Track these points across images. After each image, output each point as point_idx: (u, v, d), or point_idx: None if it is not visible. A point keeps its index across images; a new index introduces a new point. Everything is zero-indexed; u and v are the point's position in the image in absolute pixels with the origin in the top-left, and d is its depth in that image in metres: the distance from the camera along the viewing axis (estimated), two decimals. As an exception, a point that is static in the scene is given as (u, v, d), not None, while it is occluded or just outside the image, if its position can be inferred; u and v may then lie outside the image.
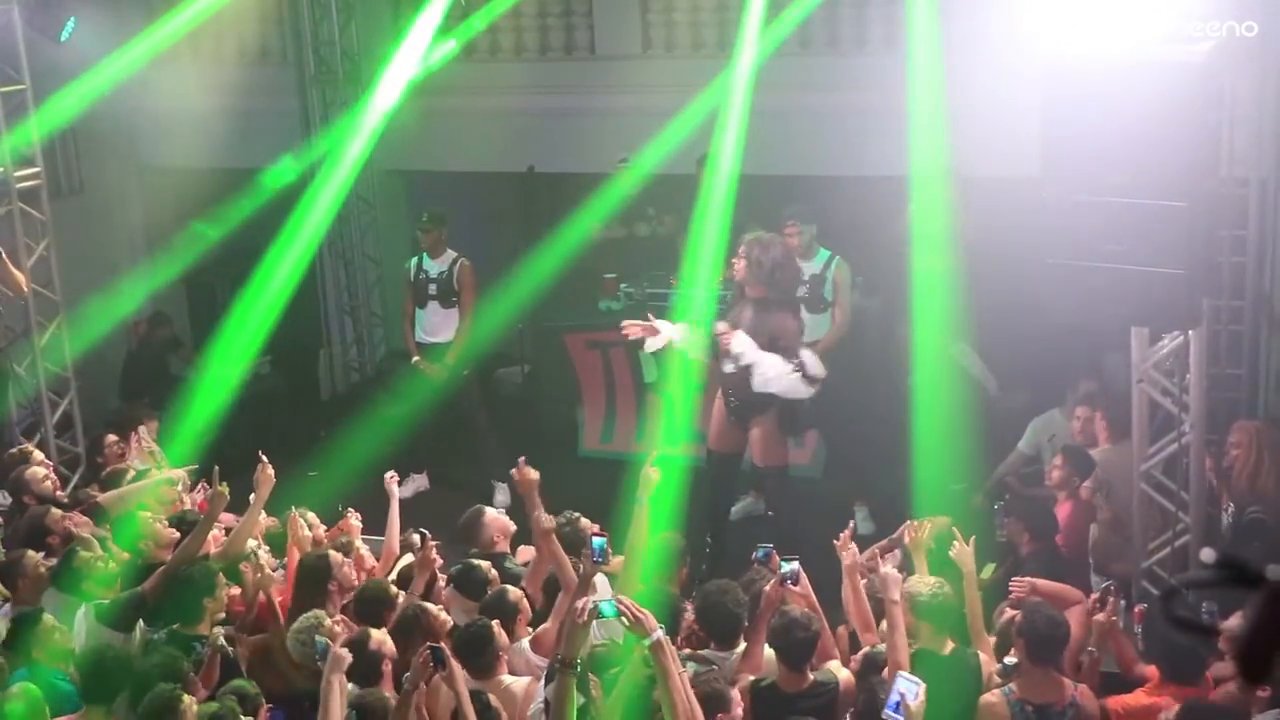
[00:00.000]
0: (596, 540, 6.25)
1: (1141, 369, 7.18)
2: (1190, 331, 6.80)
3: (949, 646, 6.11)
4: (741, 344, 8.10)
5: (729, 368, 8.20)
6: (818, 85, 10.69)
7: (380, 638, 6.18)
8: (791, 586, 6.27)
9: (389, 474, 8.06)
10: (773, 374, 8.02)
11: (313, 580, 6.85)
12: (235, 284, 11.21)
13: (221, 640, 6.44)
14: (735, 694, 5.63)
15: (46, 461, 8.88)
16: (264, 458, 7.52)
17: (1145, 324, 6.96)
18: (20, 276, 9.63)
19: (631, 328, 8.49)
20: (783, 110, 10.30)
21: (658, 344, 8.49)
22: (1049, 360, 9.36)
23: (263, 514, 7.66)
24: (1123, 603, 6.87)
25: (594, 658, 5.73)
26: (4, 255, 9.50)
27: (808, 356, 8.12)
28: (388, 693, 5.95)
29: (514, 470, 7.16)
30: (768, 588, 6.18)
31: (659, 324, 8.47)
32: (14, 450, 8.92)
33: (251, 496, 7.44)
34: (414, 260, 10.25)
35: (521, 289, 10.16)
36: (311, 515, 7.88)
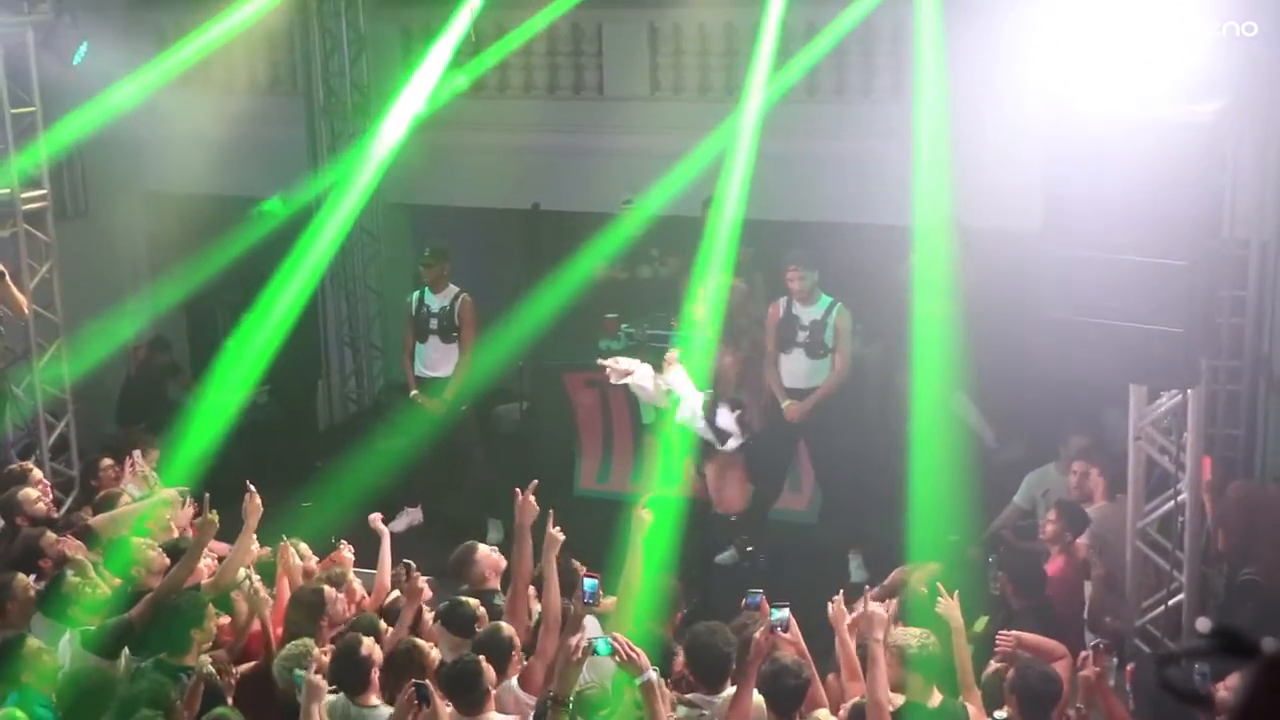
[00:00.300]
0: (588, 581, 6.23)
1: (1139, 426, 7.18)
2: (1189, 390, 6.80)
3: (936, 698, 6.08)
4: (676, 379, 8.51)
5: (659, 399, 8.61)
6: (824, 132, 10.74)
7: (370, 645, 6.18)
8: (781, 634, 6.25)
9: (374, 515, 8.02)
10: (688, 410, 8.47)
11: (305, 613, 6.83)
12: (236, 311, 11.22)
13: (209, 668, 6.41)
14: None
15: (44, 481, 8.84)
16: (251, 487, 7.51)
17: (1144, 382, 6.96)
18: (22, 298, 9.64)
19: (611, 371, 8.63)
20: (788, 156, 10.35)
21: (628, 381, 8.63)
22: (1047, 413, 9.35)
23: (255, 543, 7.64)
24: (1115, 660, 6.84)
25: (584, 700, 5.70)
26: (7, 276, 9.51)
27: (724, 413, 8.57)
28: (376, 700, 5.94)
29: (519, 496, 7.10)
30: (758, 634, 6.16)
31: (628, 364, 8.60)
32: (13, 467, 8.89)
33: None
34: (416, 294, 10.26)
35: (522, 326, 10.17)
36: (304, 546, 7.86)
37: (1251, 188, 7.90)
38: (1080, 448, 8.78)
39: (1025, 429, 10.05)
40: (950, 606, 6.51)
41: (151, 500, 8.22)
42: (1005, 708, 5.93)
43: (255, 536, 7.67)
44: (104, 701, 6.08)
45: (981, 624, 7.56)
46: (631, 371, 8.74)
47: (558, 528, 6.76)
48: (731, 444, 8.61)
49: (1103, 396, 8.71)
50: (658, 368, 8.82)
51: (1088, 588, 7.71)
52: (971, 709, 6.16)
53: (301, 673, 5.97)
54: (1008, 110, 8.96)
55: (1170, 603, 7.18)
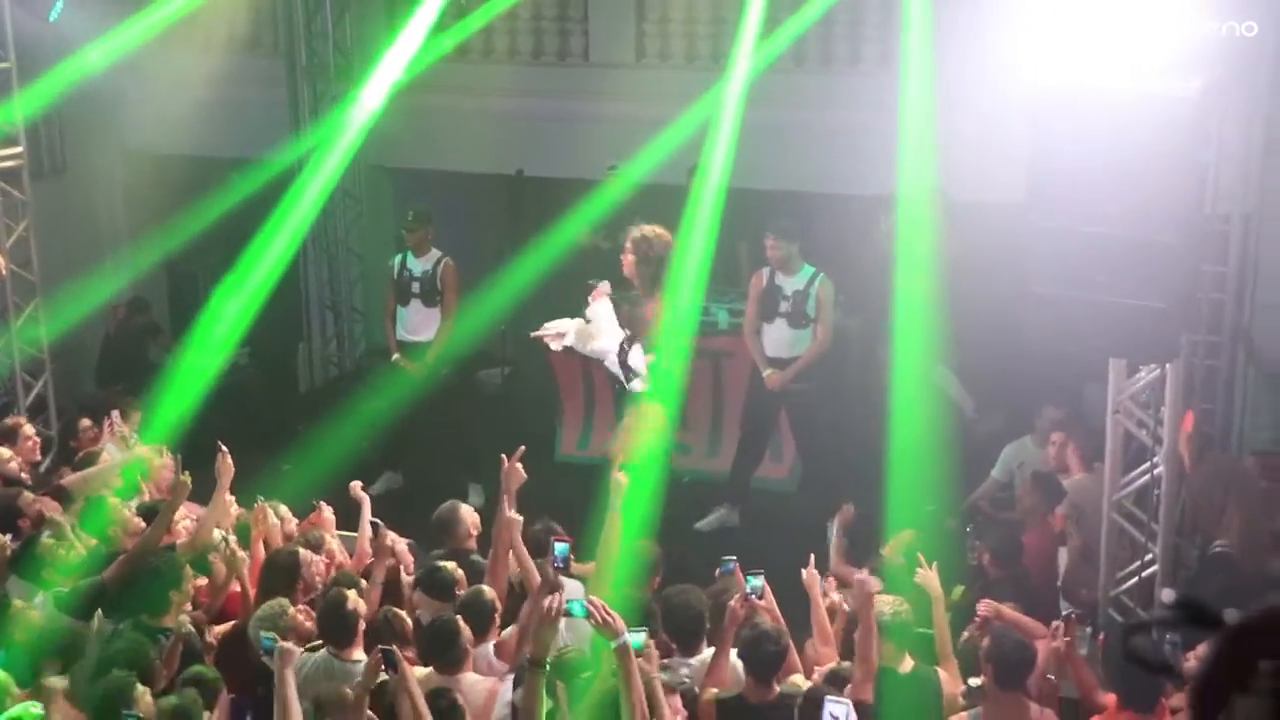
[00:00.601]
0: (559, 546, 6.29)
1: (1118, 400, 7.22)
2: (1168, 365, 6.83)
3: (908, 664, 6.14)
4: (598, 311, 8.69)
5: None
6: (810, 102, 10.72)
7: (355, 598, 6.23)
8: (756, 601, 6.29)
9: (354, 483, 7.99)
10: (601, 346, 8.60)
11: (280, 576, 6.84)
12: (217, 273, 11.17)
13: (188, 628, 6.42)
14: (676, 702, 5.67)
15: (34, 438, 8.79)
16: (224, 448, 7.51)
17: (1125, 355, 7.00)
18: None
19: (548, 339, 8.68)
20: (774, 125, 10.33)
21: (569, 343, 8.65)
22: (1027, 385, 9.40)
23: (234, 505, 7.63)
24: (1089, 630, 6.91)
25: (563, 663, 5.73)
26: None
27: (637, 352, 8.68)
28: (360, 655, 6.03)
29: (506, 462, 7.12)
30: (733, 602, 6.20)
31: (558, 325, 8.62)
32: (6, 421, 8.83)
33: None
34: (398, 258, 10.23)
35: (505, 291, 10.15)
36: (284, 509, 7.86)
37: (1235, 162, 7.93)
38: (1055, 419, 8.83)
39: (1005, 401, 10.10)
40: (929, 576, 6.56)
41: (125, 458, 8.18)
42: (980, 675, 5.98)
43: (234, 498, 7.67)
44: (74, 660, 6.08)
45: (959, 593, 7.61)
46: (565, 333, 8.77)
47: (514, 510, 6.81)
48: (637, 385, 8.67)
49: (1084, 369, 8.75)
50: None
51: (1062, 557, 7.77)
52: (945, 676, 6.22)
53: (269, 635, 6.00)
54: (994, 83, 8.95)
55: (1144, 574, 7.24)
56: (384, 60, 10.97)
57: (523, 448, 7.11)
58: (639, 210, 10.80)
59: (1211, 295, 8.31)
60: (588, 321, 8.77)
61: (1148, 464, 7.22)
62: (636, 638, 5.55)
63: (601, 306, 8.70)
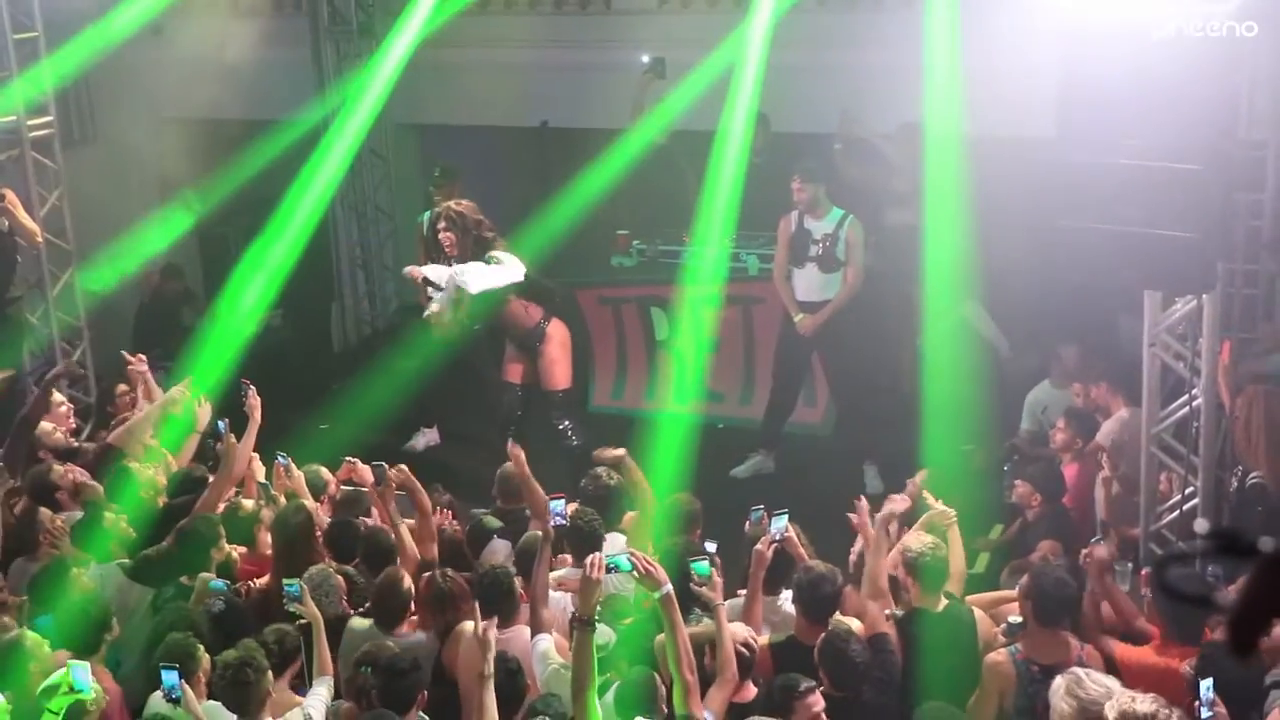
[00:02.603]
0: (554, 502, 6.34)
1: (1154, 333, 7.15)
2: (1204, 296, 6.76)
3: (942, 603, 6.14)
4: (428, 271, 8.60)
5: (439, 296, 8.60)
6: (835, 41, 10.61)
7: (409, 580, 6.38)
8: (779, 538, 6.29)
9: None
10: (476, 273, 8.51)
11: (299, 533, 6.90)
12: (248, 236, 11.20)
13: (217, 582, 6.52)
14: None
15: (68, 403, 8.85)
16: (249, 385, 7.64)
17: (1159, 288, 6.92)
18: (33, 225, 9.64)
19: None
20: (799, 67, 10.23)
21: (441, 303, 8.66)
22: (1062, 321, 9.33)
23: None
24: (1129, 565, 6.88)
25: (608, 606, 5.80)
26: (18, 203, 9.50)
27: (504, 256, 8.66)
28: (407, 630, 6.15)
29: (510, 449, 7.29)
30: (759, 545, 6.21)
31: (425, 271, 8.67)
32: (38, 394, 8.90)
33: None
34: (427, 215, 10.22)
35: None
36: (324, 470, 7.92)
37: (1269, 86, 7.78)
38: (1071, 361, 8.76)
39: (1040, 338, 10.03)
40: (943, 513, 6.56)
41: (159, 403, 8.21)
42: (1018, 613, 5.97)
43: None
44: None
45: (997, 532, 7.62)
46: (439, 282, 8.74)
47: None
48: (516, 270, 8.66)
49: (1117, 303, 8.67)
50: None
51: (1099, 492, 7.72)
52: (979, 613, 6.21)
53: (292, 582, 6.13)
54: (1020, 16, 8.82)
55: (1185, 508, 7.20)
56: (406, 16, 10.93)
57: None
58: (668, 156, 10.77)
59: (1249, 224, 8.18)
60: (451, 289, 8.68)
61: (1185, 397, 7.16)
62: (700, 564, 5.71)
63: (434, 272, 8.70)
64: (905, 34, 9.63)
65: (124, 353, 8.72)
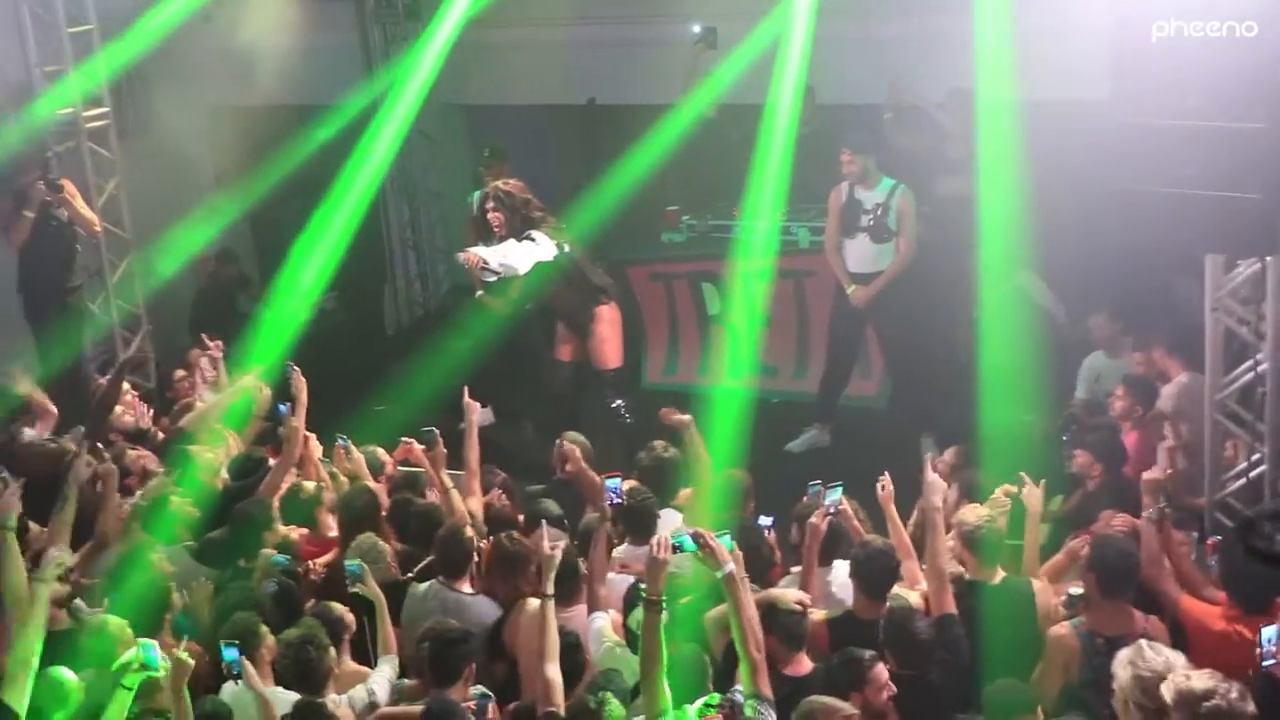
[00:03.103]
0: (610, 480, 6.35)
1: (1216, 297, 7.01)
2: (1268, 258, 6.63)
3: (999, 575, 6.09)
4: (485, 254, 8.55)
5: (490, 278, 8.65)
6: (882, 11, 10.50)
7: (471, 530, 6.51)
8: (833, 511, 6.26)
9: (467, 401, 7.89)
10: (516, 254, 8.54)
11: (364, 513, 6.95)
12: (300, 220, 11.26)
13: (277, 557, 6.58)
14: None
15: (134, 390, 8.96)
16: (294, 368, 7.77)
17: (1220, 251, 6.78)
18: (91, 215, 9.76)
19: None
20: (846, 37, 10.14)
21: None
22: (1119, 287, 9.20)
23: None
24: (1194, 535, 6.78)
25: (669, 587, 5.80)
26: (76, 193, 9.62)
27: (538, 235, 8.67)
28: (468, 586, 6.27)
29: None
30: (813, 518, 6.18)
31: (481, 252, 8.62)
32: (102, 381, 9.03)
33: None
34: (477, 195, 10.24)
35: (584, 222, 10.13)
36: (381, 451, 7.97)
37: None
38: (1101, 330, 8.67)
39: (1097, 304, 9.88)
40: (1033, 493, 6.49)
41: (234, 390, 8.34)
42: (1080, 584, 5.91)
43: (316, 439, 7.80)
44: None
45: (1057, 503, 7.52)
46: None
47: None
48: (547, 249, 8.68)
49: (1172, 266, 8.53)
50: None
51: (1161, 460, 7.61)
52: (1039, 584, 6.15)
53: (354, 562, 6.18)
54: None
55: (1252, 475, 7.08)
56: (451, -2, 10.92)
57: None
58: (716, 130, 10.70)
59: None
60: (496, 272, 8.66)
61: (1250, 362, 7.03)
62: (832, 491, 6.01)
63: (483, 253, 8.64)
64: (953, 0, 9.51)
65: (203, 335, 8.94)
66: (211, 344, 9.03)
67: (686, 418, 7.41)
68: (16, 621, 5.35)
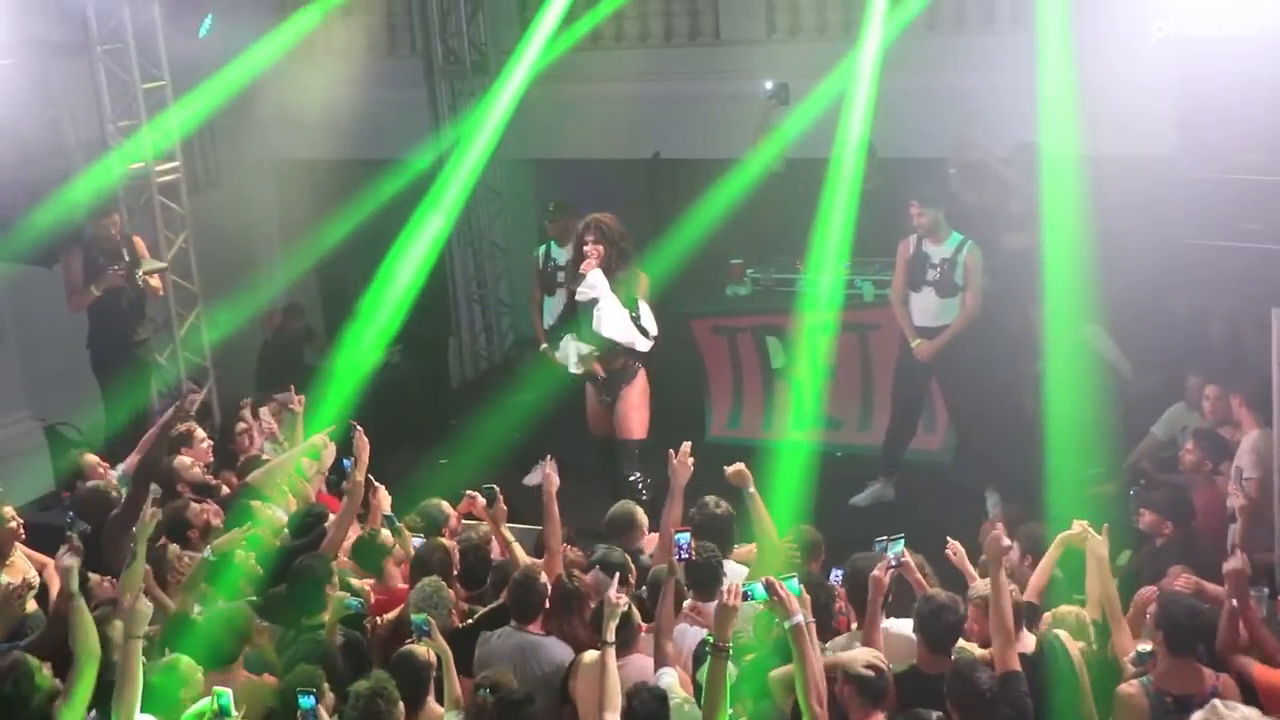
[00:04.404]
0: (679, 535, 6.35)
1: (1283, 351, 6.94)
2: (1335, 312, 6.55)
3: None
4: (597, 279, 8.47)
5: (582, 296, 8.55)
6: (946, 66, 10.55)
7: (544, 575, 6.54)
8: (895, 564, 6.22)
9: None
10: (610, 317, 8.47)
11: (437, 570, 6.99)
12: (367, 274, 11.42)
13: (351, 600, 6.60)
14: None
15: (208, 439, 9.05)
16: (358, 427, 7.80)
17: (1286, 305, 6.73)
18: (157, 283, 9.87)
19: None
20: (910, 92, 10.18)
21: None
22: (1184, 341, 9.12)
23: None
24: (1265, 591, 6.68)
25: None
26: (145, 252, 9.79)
27: (644, 309, 8.61)
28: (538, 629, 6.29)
29: (673, 457, 7.29)
30: (875, 571, 6.14)
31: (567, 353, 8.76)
32: (181, 428, 9.10)
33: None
34: (542, 248, 10.33)
35: (648, 274, 10.21)
36: (445, 505, 8.01)
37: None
38: (1202, 386, 8.53)
39: (1162, 358, 9.80)
40: (1097, 541, 6.41)
41: (302, 447, 8.41)
42: (1149, 642, 5.83)
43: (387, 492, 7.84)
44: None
45: (1125, 558, 7.44)
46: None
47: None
48: (643, 345, 8.69)
49: (1241, 322, 8.45)
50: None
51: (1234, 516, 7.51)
52: (1063, 634, 6.05)
53: (420, 616, 6.19)
54: (1134, 34, 8.67)
55: (1322, 532, 6.98)
56: (519, 54, 11.09)
57: (687, 444, 7.23)
58: (783, 184, 10.75)
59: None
60: (588, 296, 8.57)
61: (1319, 416, 6.94)
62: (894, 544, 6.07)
63: (595, 276, 8.58)
64: (1017, 54, 9.54)
65: (290, 389, 9.16)
66: (295, 398, 9.09)
67: (744, 472, 7.27)
68: (117, 687, 5.36)
